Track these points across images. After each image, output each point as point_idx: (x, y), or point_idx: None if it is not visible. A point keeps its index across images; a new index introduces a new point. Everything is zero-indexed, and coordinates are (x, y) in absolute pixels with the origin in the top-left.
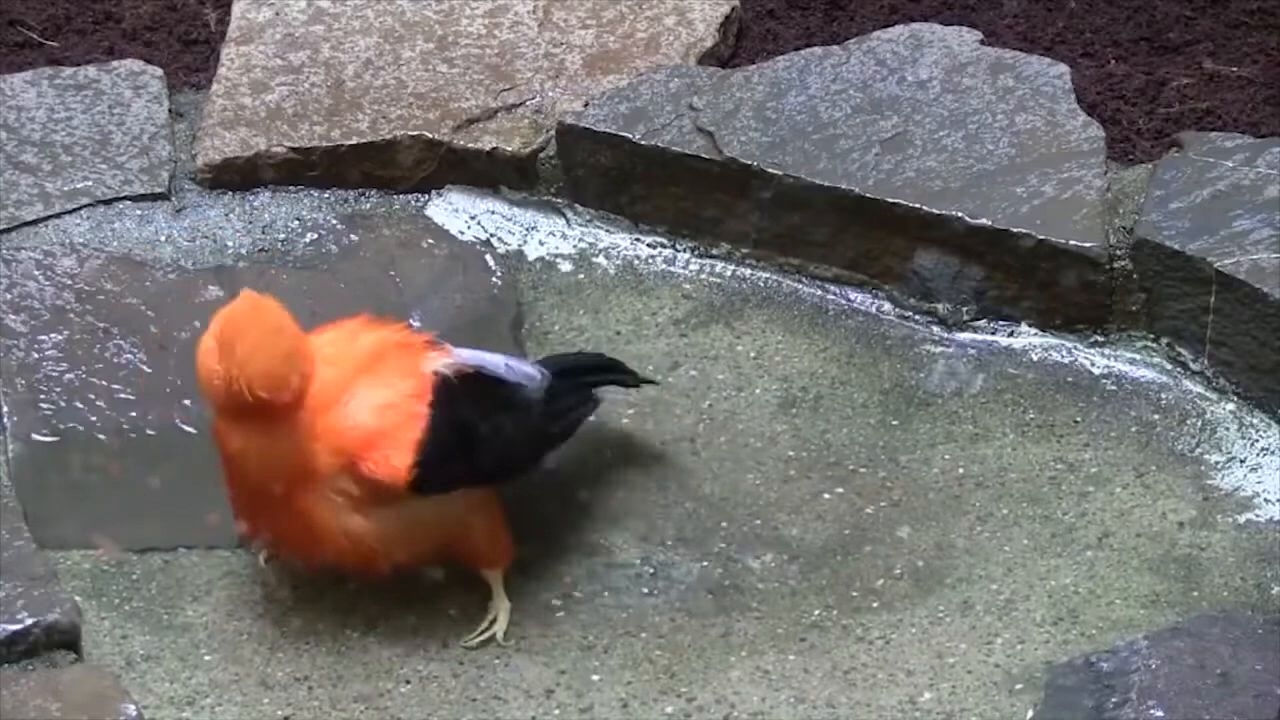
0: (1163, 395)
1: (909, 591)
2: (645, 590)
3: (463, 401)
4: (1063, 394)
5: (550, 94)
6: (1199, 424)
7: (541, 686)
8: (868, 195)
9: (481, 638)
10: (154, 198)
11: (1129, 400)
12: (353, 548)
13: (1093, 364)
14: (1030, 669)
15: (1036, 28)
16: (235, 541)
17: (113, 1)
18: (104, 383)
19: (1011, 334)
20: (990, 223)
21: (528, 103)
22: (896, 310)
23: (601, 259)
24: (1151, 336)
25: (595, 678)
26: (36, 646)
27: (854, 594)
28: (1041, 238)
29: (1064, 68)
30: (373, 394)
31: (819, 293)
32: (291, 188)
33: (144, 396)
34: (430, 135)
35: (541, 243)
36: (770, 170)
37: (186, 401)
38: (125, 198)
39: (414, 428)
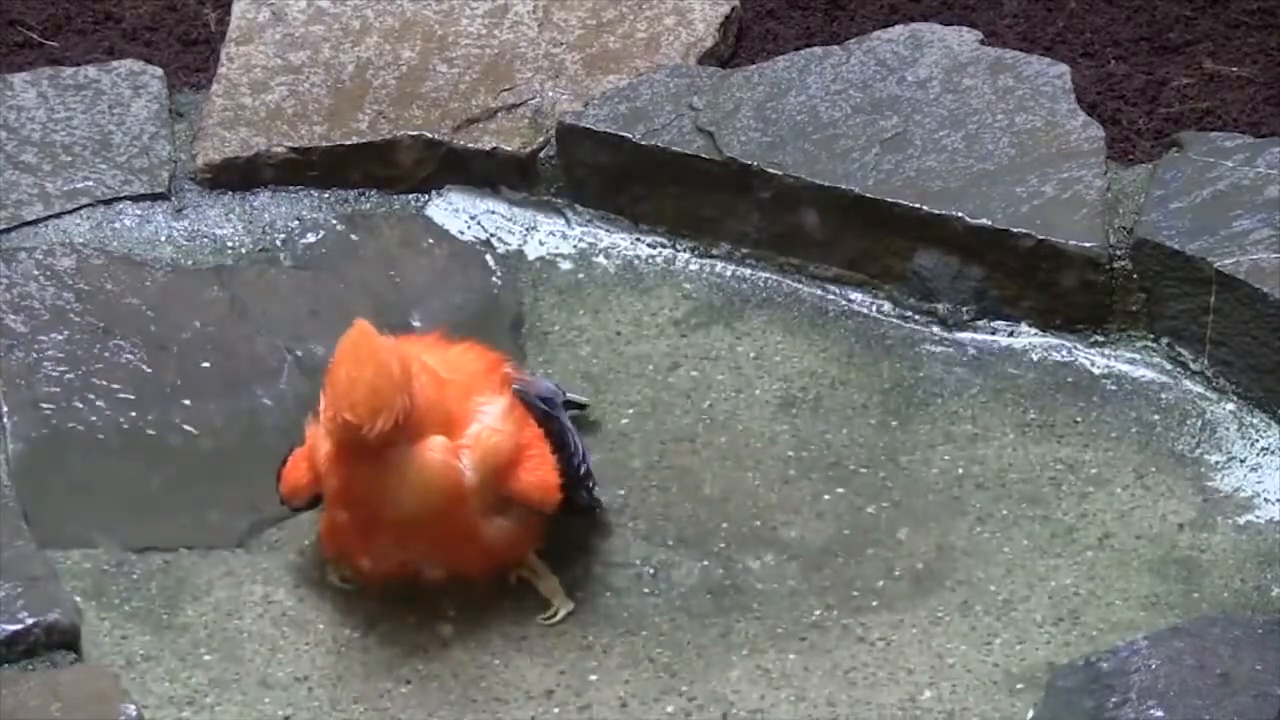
0: (1163, 395)
1: (909, 591)
2: (645, 590)
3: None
4: (1063, 394)
5: (550, 94)
6: (1199, 424)
7: (541, 687)
8: (868, 195)
9: (559, 616)
10: (154, 198)
11: (1129, 400)
12: (484, 556)
13: (1093, 364)
14: (1030, 669)
15: (1036, 28)
16: (235, 541)
17: (113, 1)
18: (104, 383)
19: (1011, 334)
20: (990, 223)
21: (528, 103)
22: (896, 310)
23: (601, 259)
24: (1151, 336)
25: (595, 678)
26: (36, 646)
27: (854, 594)
28: (1041, 238)
29: (1064, 68)
30: (495, 412)
31: (819, 293)
32: (291, 188)
33: (144, 396)
34: (430, 135)
35: (541, 243)
36: (770, 170)
37: (186, 401)
38: (125, 198)
39: (543, 446)
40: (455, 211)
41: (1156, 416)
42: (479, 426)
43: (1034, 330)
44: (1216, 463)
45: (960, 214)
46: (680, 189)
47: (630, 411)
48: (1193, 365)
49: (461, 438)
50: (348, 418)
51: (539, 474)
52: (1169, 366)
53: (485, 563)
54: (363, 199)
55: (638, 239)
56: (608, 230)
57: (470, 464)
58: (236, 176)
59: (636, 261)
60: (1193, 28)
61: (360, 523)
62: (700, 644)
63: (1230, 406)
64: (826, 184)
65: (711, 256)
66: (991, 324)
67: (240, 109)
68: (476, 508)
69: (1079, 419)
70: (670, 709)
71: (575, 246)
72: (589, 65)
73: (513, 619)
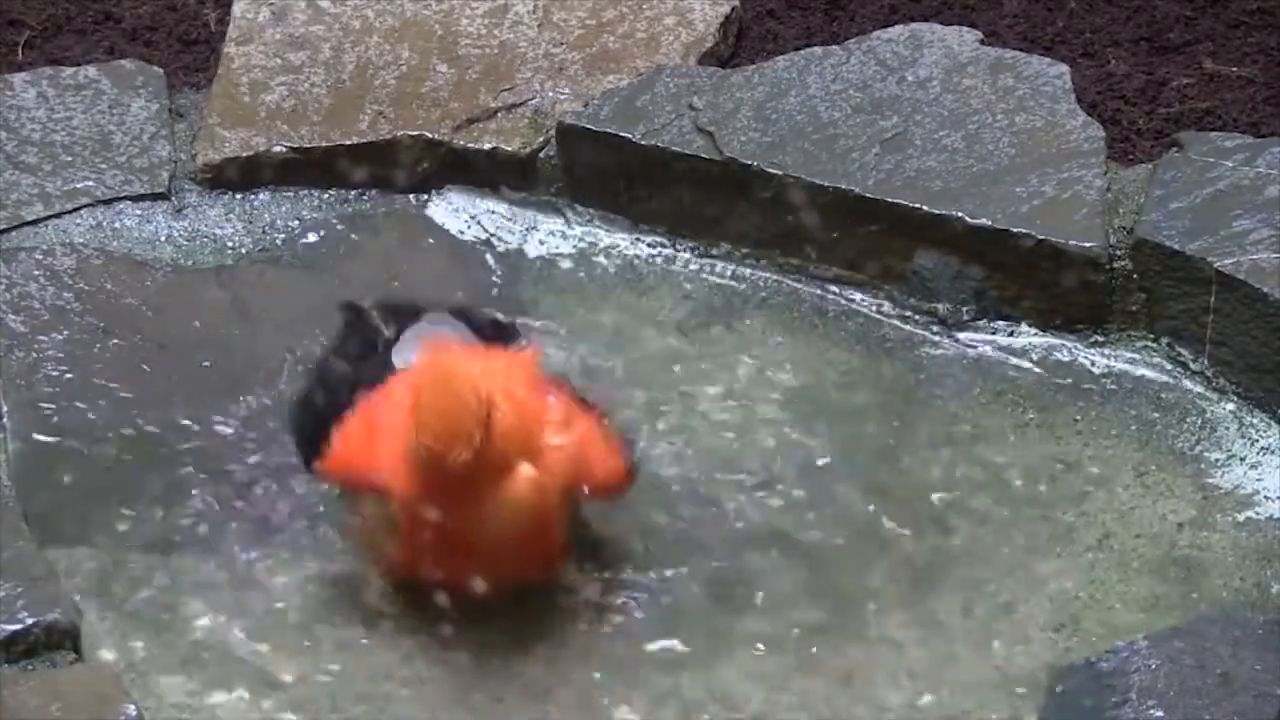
0: (1163, 395)
1: (909, 592)
2: (645, 591)
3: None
4: (1062, 394)
5: (550, 94)
6: (1199, 423)
7: (542, 687)
8: (868, 195)
9: None
10: (154, 198)
11: (1129, 400)
12: (560, 554)
13: (1093, 364)
14: (1030, 670)
15: (1036, 28)
16: (235, 541)
17: (113, 1)
18: (104, 383)
19: (1011, 334)
20: (990, 223)
21: (528, 103)
22: (896, 310)
23: (601, 258)
24: (1151, 336)
25: (596, 678)
26: (36, 646)
27: (854, 595)
28: (1041, 238)
29: (1064, 68)
30: (559, 419)
31: (819, 293)
32: (291, 188)
33: (144, 396)
34: (430, 135)
35: (541, 242)
36: (770, 170)
37: (186, 401)
38: (125, 198)
39: (596, 428)
40: (455, 211)
41: (1156, 416)
42: (554, 439)
43: (1034, 330)
44: (1216, 461)
45: (960, 214)
46: (680, 189)
47: (629, 412)
48: (1193, 365)
49: (541, 453)
50: (429, 445)
51: (608, 464)
52: (1169, 366)
53: (560, 559)
54: (363, 199)
55: (638, 239)
56: (608, 230)
57: (555, 480)
58: (236, 176)
59: (636, 261)
60: (1193, 28)
61: (443, 549)
62: (700, 645)
63: (1230, 406)
64: (826, 184)
65: (711, 256)
66: (991, 324)
67: (240, 109)
68: (559, 519)
69: (1079, 419)
70: (671, 711)
71: (575, 246)
72: (589, 65)
73: (513, 620)
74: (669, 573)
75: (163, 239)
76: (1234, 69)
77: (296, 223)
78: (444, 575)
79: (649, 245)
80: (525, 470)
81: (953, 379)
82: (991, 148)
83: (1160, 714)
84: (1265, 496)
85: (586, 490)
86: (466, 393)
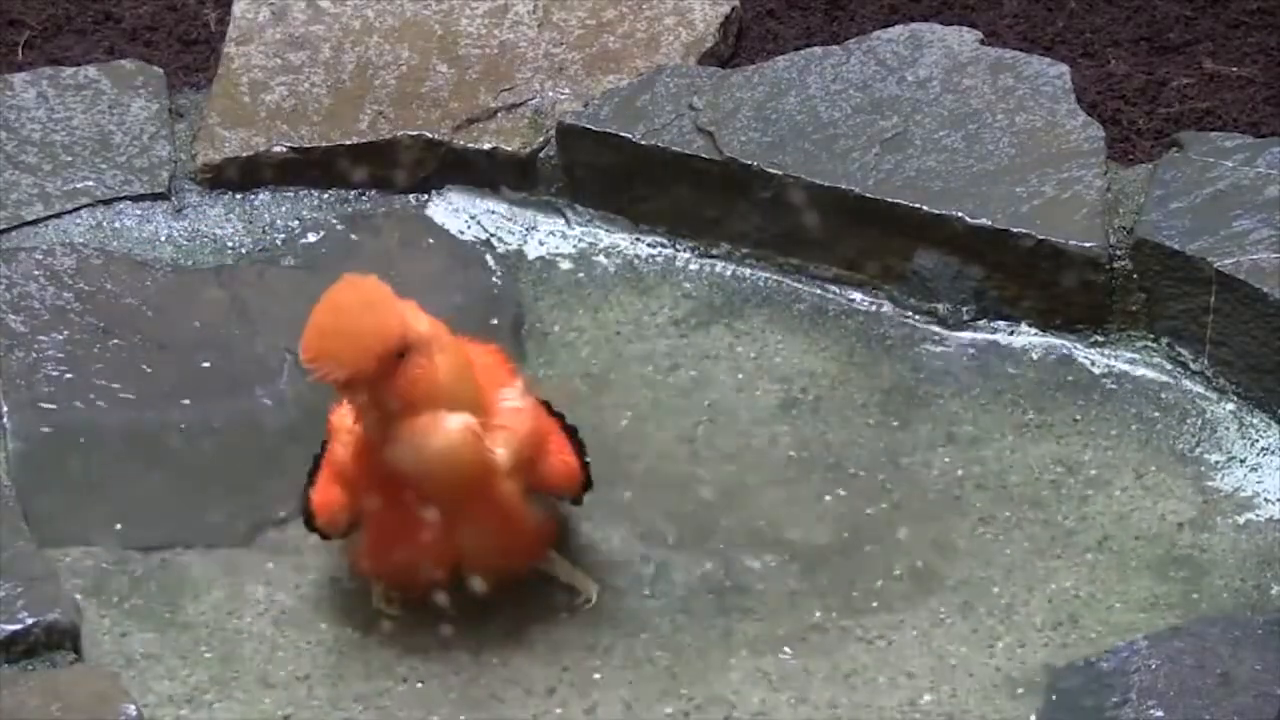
0: (1163, 395)
1: (909, 593)
2: (646, 590)
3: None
4: (1062, 394)
5: (550, 94)
6: (1199, 424)
7: (542, 686)
8: (868, 195)
9: (594, 598)
10: (154, 198)
11: (1129, 400)
12: (532, 543)
13: (1093, 364)
14: (1030, 671)
15: (1036, 28)
16: (235, 540)
17: (113, 1)
18: (104, 383)
19: (1011, 334)
20: (990, 223)
21: (528, 103)
22: (896, 310)
23: (601, 259)
24: (1151, 336)
25: (596, 677)
26: (36, 646)
27: (854, 595)
28: (1041, 238)
29: (1064, 68)
30: (516, 399)
31: (819, 293)
32: (291, 188)
33: (144, 396)
34: (430, 135)
35: (541, 242)
36: (770, 170)
37: (186, 401)
38: (125, 198)
39: (559, 432)
40: (455, 211)
41: (1156, 415)
42: (507, 409)
43: (1034, 330)
44: (1216, 462)
45: (960, 214)
46: (680, 189)
47: (630, 412)
48: (1193, 365)
49: (493, 414)
50: (305, 364)
51: (563, 458)
52: (1169, 366)
53: (532, 551)
54: (363, 199)
55: (638, 239)
56: (608, 230)
57: (504, 446)
58: (236, 176)
59: (636, 261)
60: (1193, 28)
61: (401, 516)
62: (701, 645)
63: (1230, 406)
64: (826, 184)
65: (711, 256)
66: (991, 324)
67: (240, 109)
68: (517, 491)
69: (1079, 419)
70: (670, 709)
71: (575, 246)
72: (589, 65)
73: (513, 618)
74: (669, 573)
75: (163, 239)
76: (1234, 69)
77: (296, 223)
78: (415, 548)
79: (649, 245)
80: (456, 418)
81: (953, 379)
82: (991, 148)
83: (1160, 714)
84: (1265, 499)
85: (540, 477)
86: (365, 320)
